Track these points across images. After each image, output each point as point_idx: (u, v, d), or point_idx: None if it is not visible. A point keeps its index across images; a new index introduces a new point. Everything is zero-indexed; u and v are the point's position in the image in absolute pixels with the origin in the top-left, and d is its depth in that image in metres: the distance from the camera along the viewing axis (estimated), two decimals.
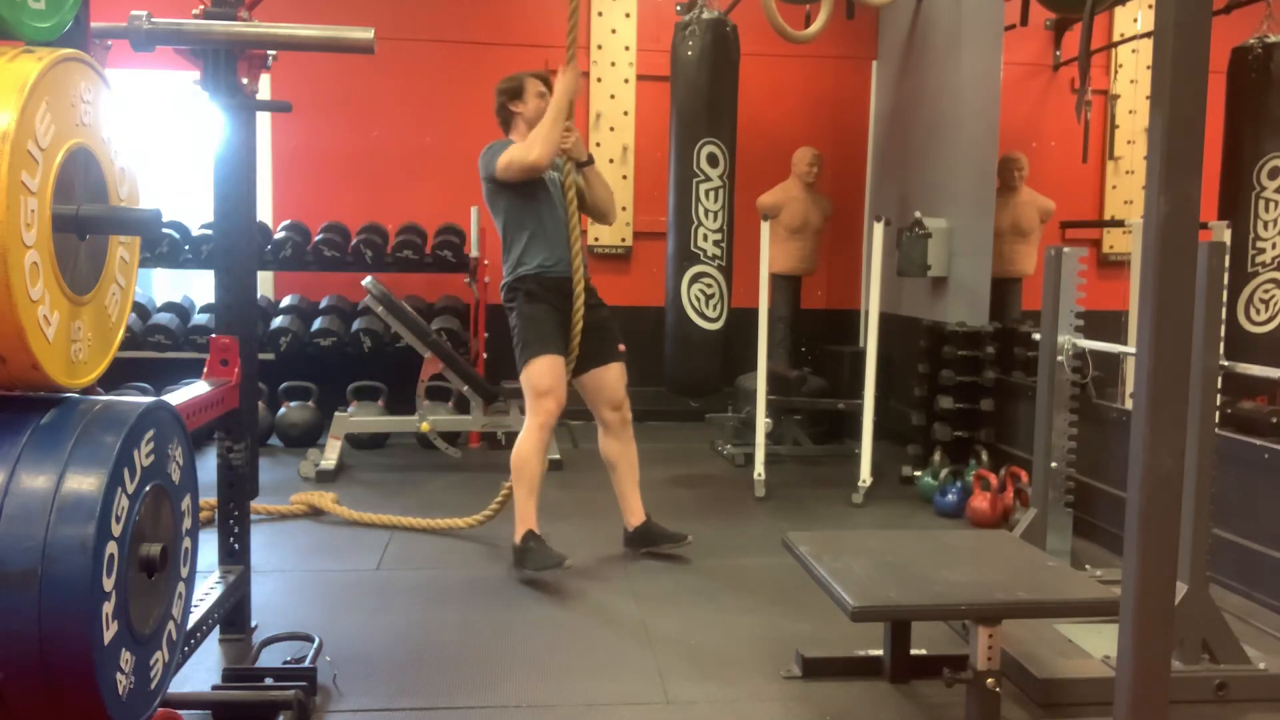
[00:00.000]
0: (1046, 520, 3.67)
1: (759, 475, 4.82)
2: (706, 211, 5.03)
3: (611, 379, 3.85)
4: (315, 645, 2.91)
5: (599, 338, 3.80)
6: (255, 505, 3.63)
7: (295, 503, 4.40)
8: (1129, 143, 6.62)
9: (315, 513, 4.38)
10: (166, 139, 6.15)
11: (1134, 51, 6.43)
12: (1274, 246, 4.74)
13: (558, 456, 5.36)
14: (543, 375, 3.63)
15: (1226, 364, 3.12)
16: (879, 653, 2.87)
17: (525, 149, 3.59)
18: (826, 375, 5.97)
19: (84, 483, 1.42)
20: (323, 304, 6.02)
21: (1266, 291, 4.75)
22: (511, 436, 4.17)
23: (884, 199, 6.36)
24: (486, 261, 5.96)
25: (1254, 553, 3.42)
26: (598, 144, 6.52)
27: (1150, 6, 5.53)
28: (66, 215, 1.55)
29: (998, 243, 5.38)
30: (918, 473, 4.92)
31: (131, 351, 5.48)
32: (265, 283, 6.22)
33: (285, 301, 6.02)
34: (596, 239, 6.57)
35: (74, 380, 1.62)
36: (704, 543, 4.06)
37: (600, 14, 6.50)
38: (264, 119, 5.57)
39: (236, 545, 3.03)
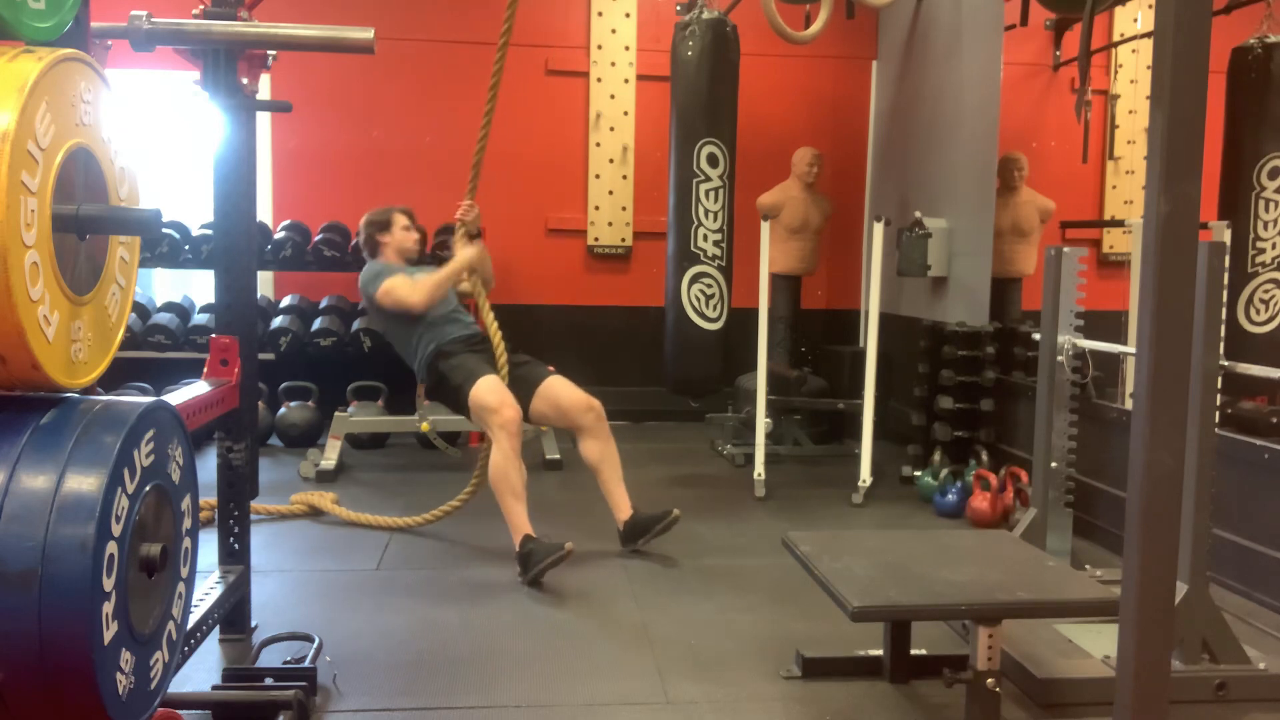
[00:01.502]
0: (1046, 520, 3.67)
1: (759, 475, 4.82)
2: (706, 211, 5.02)
3: (559, 389, 4.00)
4: (315, 645, 2.91)
5: (524, 371, 4.04)
6: (255, 505, 3.64)
7: (295, 503, 4.40)
8: (1129, 143, 6.62)
9: (315, 513, 4.38)
10: (166, 139, 6.15)
11: (1134, 51, 6.42)
12: (1274, 246, 4.74)
13: (557, 456, 5.37)
14: (486, 394, 3.77)
15: (1226, 364, 3.12)
16: (879, 653, 2.87)
17: (410, 293, 3.96)
18: (826, 375, 5.97)
19: (84, 483, 1.42)
20: (323, 304, 6.02)
21: (1266, 291, 4.74)
22: None
23: (884, 199, 6.36)
24: None
25: (1254, 553, 3.43)
26: (598, 144, 6.53)
27: (1150, 6, 5.53)
28: (66, 215, 1.55)
29: (998, 243, 5.38)
30: (918, 473, 4.92)
31: (131, 351, 5.47)
32: (265, 283, 6.22)
33: (285, 301, 6.02)
34: (596, 239, 6.58)
35: (74, 380, 1.62)
36: (704, 543, 4.07)
37: (600, 14, 6.50)
38: (264, 119, 5.58)
39: (236, 545, 3.03)
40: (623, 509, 3.92)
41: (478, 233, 4.16)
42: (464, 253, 4.08)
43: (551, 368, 4.13)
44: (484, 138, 3.94)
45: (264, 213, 5.93)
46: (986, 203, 5.25)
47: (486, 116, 3.89)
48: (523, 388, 3.96)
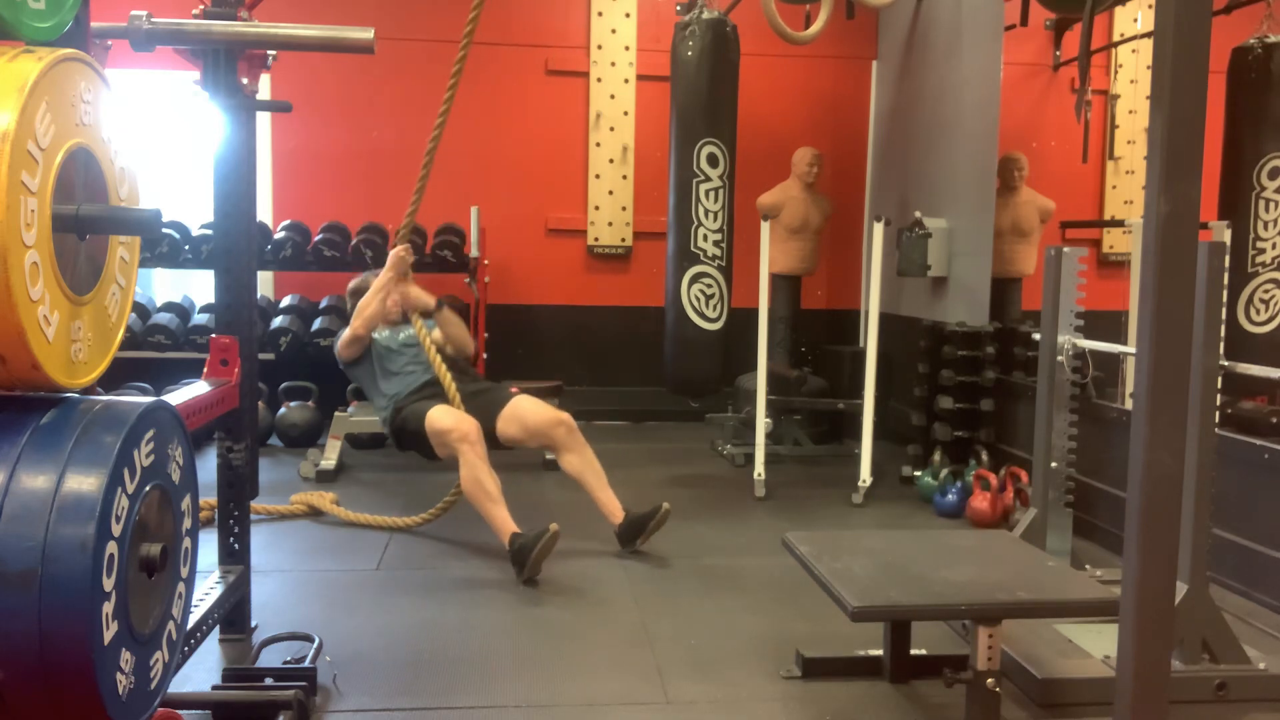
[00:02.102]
0: (1046, 520, 3.67)
1: (759, 475, 4.82)
2: (706, 211, 5.02)
3: (525, 409, 4.07)
4: (315, 645, 2.91)
5: (486, 398, 4.12)
6: (255, 505, 3.64)
7: (295, 503, 4.40)
8: (1129, 143, 6.62)
9: (315, 513, 4.38)
10: (166, 139, 6.15)
11: (1134, 51, 6.43)
12: (1274, 246, 4.74)
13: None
14: (439, 420, 3.88)
15: (1226, 364, 3.12)
16: (879, 653, 2.87)
17: (348, 329, 4.23)
18: (826, 375, 5.97)
19: (84, 483, 1.42)
20: (323, 304, 6.02)
21: (1266, 291, 4.75)
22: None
23: (884, 199, 6.36)
24: (486, 261, 5.97)
25: (1254, 553, 3.43)
26: (598, 144, 6.53)
27: (1150, 6, 5.53)
28: (66, 215, 1.55)
29: (998, 243, 5.38)
30: (918, 473, 4.92)
31: (131, 351, 5.47)
32: (265, 283, 6.22)
33: (285, 301, 6.02)
34: (596, 239, 6.58)
35: (74, 380, 1.62)
36: (704, 543, 4.07)
37: (600, 14, 6.51)
38: (264, 119, 5.58)
39: (236, 545, 3.03)
40: (615, 513, 3.93)
41: (434, 308, 4.27)
42: (390, 259, 4.21)
43: (515, 389, 4.21)
44: (433, 147, 4.04)
45: (264, 213, 5.93)
46: (986, 203, 5.25)
47: (441, 116, 3.92)
48: (486, 412, 4.02)
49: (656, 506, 3.89)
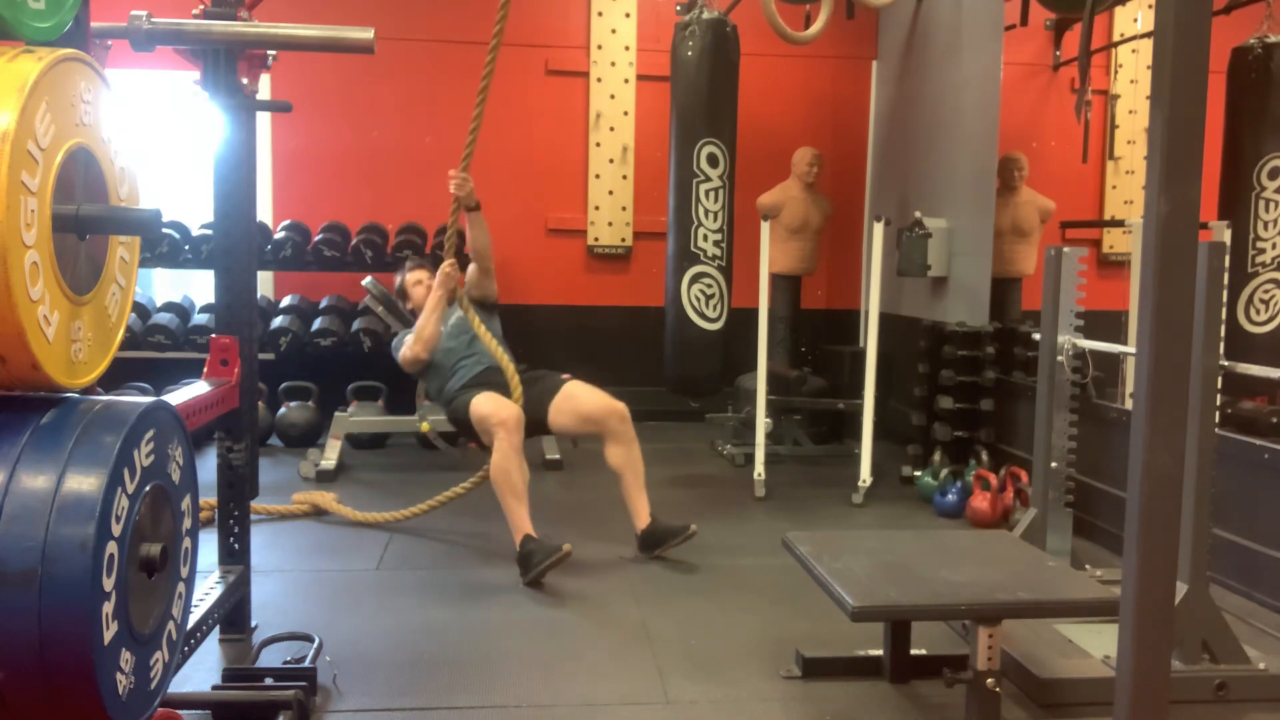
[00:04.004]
0: (1046, 520, 3.67)
1: (759, 475, 4.82)
2: (706, 212, 5.02)
3: (578, 395, 3.99)
4: (315, 645, 2.91)
5: (538, 387, 4.03)
6: (255, 505, 3.64)
7: (297, 502, 4.40)
8: (1129, 143, 6.62)
9: (316, 512, 4.38)
10: (166, 139, 6.15)
11: (1134, 51, 6.42)
12: (1274, 246, 4.74)
13: (557, 456, 5.37)
14: (480, 405, 3.82)
15: (1226, 364, 3.12)
16: (879, 653, 2.87)
17: (410, 349, 4.13)
18: (826, 375, 5.97)
19: (84, 483, 1.42)
20: (323, 304, 6.02)
21: (1266, 291, 4.74)
22: None
23: (884, 199, 6.36)
24: None
25: (1254, 553, 3.43)
26: (598, 144, 6.53)
27: (1150, 6, 5.53)
28: (66, 215, 1.55)
29: (998, 243, 5.38)
30: (918, 473, 4.92)
31: (131, 351, 5.47)
32: (265, 283, 6.22)
33: (285, 301, 6.02)
34: (596, 239, 6.58)
35: (74, 380, 1.62)
36: (704, 543, 4.06)
37: (600, 14, 6.50)
38: (264, 119, 5.58)
39: (236, 545, 3.03)
40: (642, 517, 3.89)
41: (475, 205, 4.10)
42: (438, 278, 4.14)
43: (567, 375, 4.11)
44: (481, 102, 3.92)
45: (264, 213, 5.93)
46: (986, 203, 5.25)
47: (485, 78, 3.89)
48: (538, 402, 3.95)
49: (685, 525, 3.84)
